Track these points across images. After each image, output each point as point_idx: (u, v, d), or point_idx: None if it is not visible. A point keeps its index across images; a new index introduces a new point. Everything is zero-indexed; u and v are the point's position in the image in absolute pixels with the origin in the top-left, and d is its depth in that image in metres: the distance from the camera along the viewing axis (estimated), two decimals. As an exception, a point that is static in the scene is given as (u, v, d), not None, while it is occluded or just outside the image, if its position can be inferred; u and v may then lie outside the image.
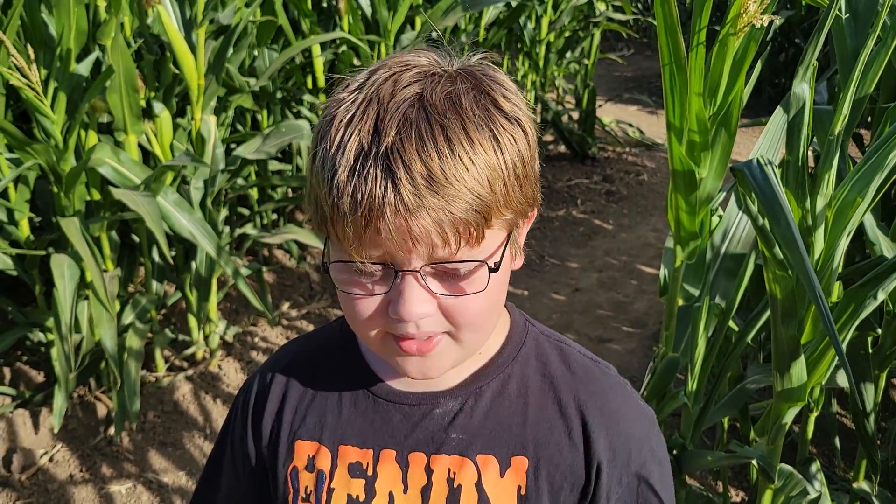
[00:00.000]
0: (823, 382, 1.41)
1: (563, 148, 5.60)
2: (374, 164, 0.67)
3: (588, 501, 0.82)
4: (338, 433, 0.84)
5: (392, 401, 0.84)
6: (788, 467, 1.51)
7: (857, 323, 1.35)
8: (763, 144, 1.50)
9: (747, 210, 1.24)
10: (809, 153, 1.46)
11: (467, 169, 0.67)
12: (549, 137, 5.56)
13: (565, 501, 0.82)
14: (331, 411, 0.86)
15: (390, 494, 0.82)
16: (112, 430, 2.68)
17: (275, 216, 3.84)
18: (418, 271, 0.70)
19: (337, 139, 0.69)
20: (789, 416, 1.42)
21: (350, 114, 0.70)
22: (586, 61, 5.42)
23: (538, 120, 5.00)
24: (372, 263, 0.70)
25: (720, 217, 1.77)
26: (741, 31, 1.29)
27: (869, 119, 2.49)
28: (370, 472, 0.83)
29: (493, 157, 0.69)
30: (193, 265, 2.88)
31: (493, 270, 0.73)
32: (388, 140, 0.67)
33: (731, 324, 1.72)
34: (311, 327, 3.39)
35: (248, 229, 3.41)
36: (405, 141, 0.67)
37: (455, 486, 0.81)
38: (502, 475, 0.81)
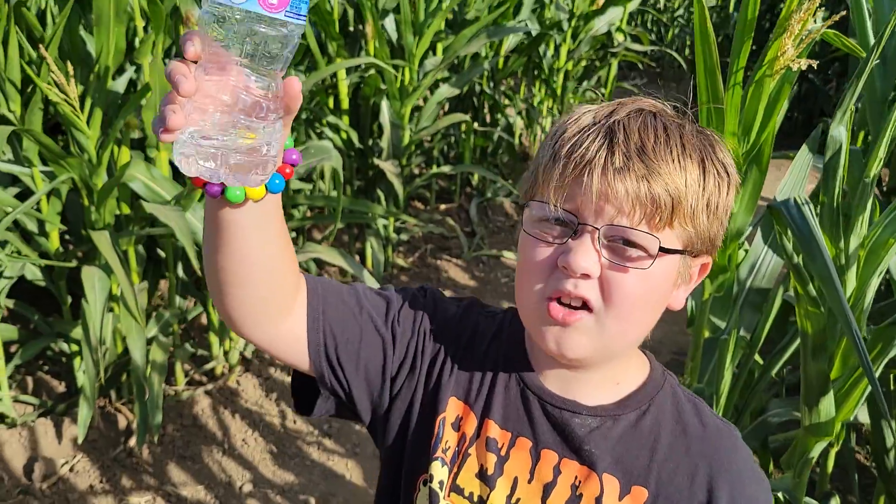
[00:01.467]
0: (851, 418, 1.43)
1: (577, 174, 5.65)
2: (598, 129, 0.80)
3: None
4: (487, 405, 0.90)
5: (539, 395, 0.89)
6: (813, 501, 1.53)
7: (885, 360, 1.38)
8: (789, 182, 1.54)
9: (782, 247, 1.28)
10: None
11: (674, 161, 0.78)
12: (564, 164, 5.61)
13: None
14: (487, 384, 0.91)
15: (515, 479, 0.87)
16: (133, 442, 2.70)
17: (294, 234, 3.89)
18: (598, 230, 0.78)
19: (574, 116, 0.84)
20: (816, 451, 1.45)
21: (591, 108, 0.84)
22: (603, 90, 5.48)
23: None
24: (562, 209, 0.79)
25: (746, 251, 1.80)
26: (777, 73, 1.33)
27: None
28: (503, 453, 0.88)
29: (697, 172, 0.80)
30: (217, 281, 2.92)
31: (664, 250, 0.79)
32: (618, 116, 0.81)
33: (757, 357, 1.75)
34: (328, 346, 3.42)
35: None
36: (631, 120, 0.80)
37: (577, 493, 0.85)
38: (620, 499, 0.85)
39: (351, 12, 3.71)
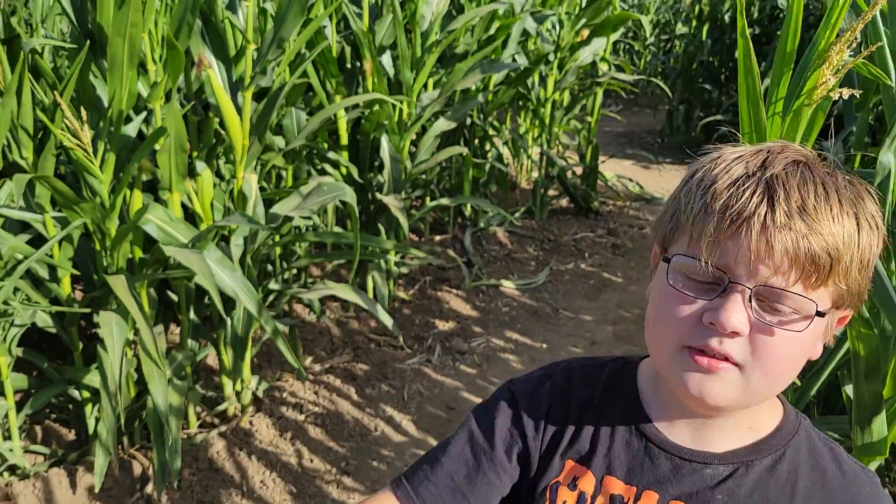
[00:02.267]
0: (903, 436, 1.47)
1: (565, 202, 5.72)
2: (756, 183, 0.77)
3: None
4: (606, 463, 0.89)
5: (664, 449, 0.88)
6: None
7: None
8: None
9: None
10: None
11: (833, 219, 0.76)
12: (553, 192, 5.68)
13: None
14: (603, 441, 0.90)
15: None
16: (150, 488, 2.65)
17: (294, 271, 3.87)
18: (751, 289, 0.76)
19: (723, 164, 0.80)
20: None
21: (739, 155, 0.81)
22: (588, 118, 5.58)
23: (544, 175, 5.06)
24: (713, 267, 0.77)
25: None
26: (815, 102, 1.38)
27: None
28: None
29: (853, 228, 0.78)
30: (230, 322, 2.90)
31: (819, 314, 0.78)
32: (775, 170, 0.78)
33: (795, 380, 1.78)
34: (337, 382, 3.40)
35: (272, 285, 3.44)
36: (790, 175, 0.78)
37: None
38: None
39: (348, 50, 3.75)
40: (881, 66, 1.65)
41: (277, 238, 3.25)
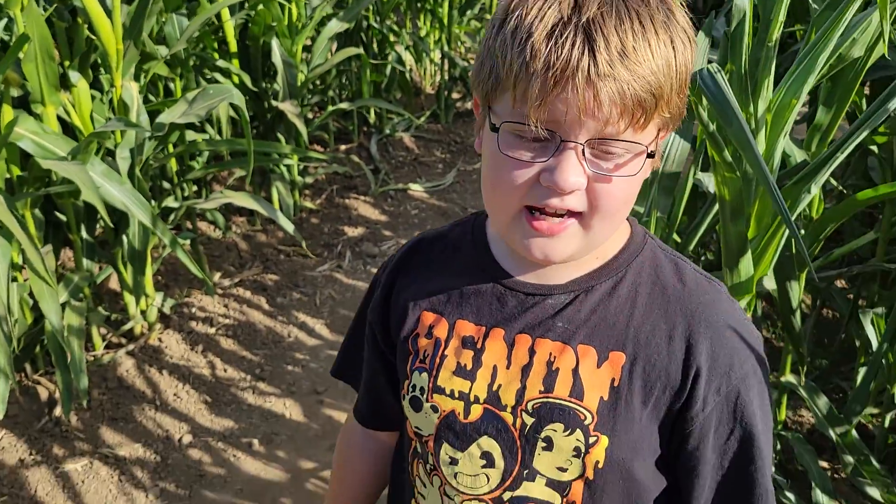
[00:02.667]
0: (768, 273, 1.56)
1: (470, 104, 5.69)
2: (573, 32, 0.73)
3: (682, 404, 0.85)
4: (458, 309, 0.93)
5: (510, 287, 0.91)
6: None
7: (793, 218, 1.50)
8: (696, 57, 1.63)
9: (698, 115, 1.36)
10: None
11: (653, 55, 0.75)
12: (457, 94, 5.64)
13: (657, 400, 0.86)
14: (454, 289, 0.94)
15: (494, 367, 0.89)
16: (58, 411, 2.61)
17: (195, 187, 3.77)
18: (583, 144, 0.76)
19: (535, 10, 0.75)
20: (739, 308, 1.57)
21: None
22: (487, 16, 5.51)
23: (446, 78, 4.99)
24: (542, 130, 0.75)
25: (656, 139, 1.90)
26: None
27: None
28: (479, 346, 0.90)
29: (670, 55, 0.77)
30: (125, 239, 2.82)
31: (650, 155, 0.79)
32: (590, 13, 0.73)
33: (675, 237, 1.86)
34: (247, 294, 3.38)
35: (171, 202, 3.35)
36: (605, 16, 0.74)
37: (553, 368, 0.87)
38: (599, 366, 0.86)
39: (228, -51, 3.56)
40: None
41: (171, 149, 3.14)
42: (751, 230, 1.47)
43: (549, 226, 0.80)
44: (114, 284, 3.27)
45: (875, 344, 2.20)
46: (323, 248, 3.79)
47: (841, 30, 1.33)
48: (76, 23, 2.65)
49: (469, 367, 0.90)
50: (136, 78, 2.94)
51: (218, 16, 3.48)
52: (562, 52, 0.72)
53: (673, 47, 0.77)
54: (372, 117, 5.03)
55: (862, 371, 2.29)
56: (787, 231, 1.47)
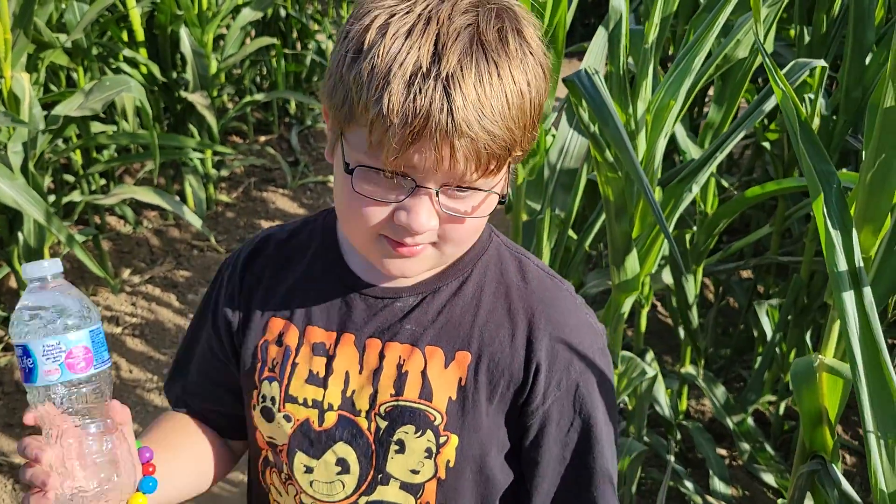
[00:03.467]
0: (653, 271, 1.58)
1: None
2: (433, 85, 0.70)
3: (524, 399, 0.87)
4: (307, 315, 0.90)
5: (359, 291, 0.90)
6: (629, 353, 1.69)
7: (676, 217, 1.52)
8: (587, 62, 1.63)
9: (579, 117, 1.36)
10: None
11: (510, 109, 0.74)
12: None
13: (502, 396, 0.87)
14: (303, 294, 0.91)
15: (346, 374, 0.88)
16: (-52, 419, 2.49)
17: (103, 181, 3.64)
18: (437, 190, 0.76)
19: (393, 49, 0.71)
20: (626, 306, 1.59)
21: (407, 26, 0.72)
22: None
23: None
24: (397, 174, 0.75)
25: (554, 136, 1.91)
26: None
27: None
28: (331, 352, 0.89)
29: (527, 101, 0.75)
30: (21, 236, 2.70)
31: (501, 202, 0.81)
32: (450, 67, 0.71)
33: (571, 233, 1.87)
34: (157, 292, 3.28)
35: (76, 196, 3.22)
36: (465, 70, 0.71)
37: (403, 371, 0.87)
38: (446, 367, 0.87)
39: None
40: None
41: (73, 142, 3.02)
42: (635, 229, 1.49)
43: (408, 249, 0.80)
44: (13, 283, 3.14)
45: (769, 334, 2.28)
46: (238, 243, 3.71)
47: (716, 31, 1.35)
48: (-39, 10, 2.51)
49: (321, 374, 0.89)
50: (33, 68, 2.81)
51: (123, 3, 3.36)
52: (420, 107, 0.71)
53: (530, 90, 0.76)
54: (293, 108, 4.94)
55: (758, 361, 2.36)
56: (675, 233, 1.49)
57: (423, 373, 0.87)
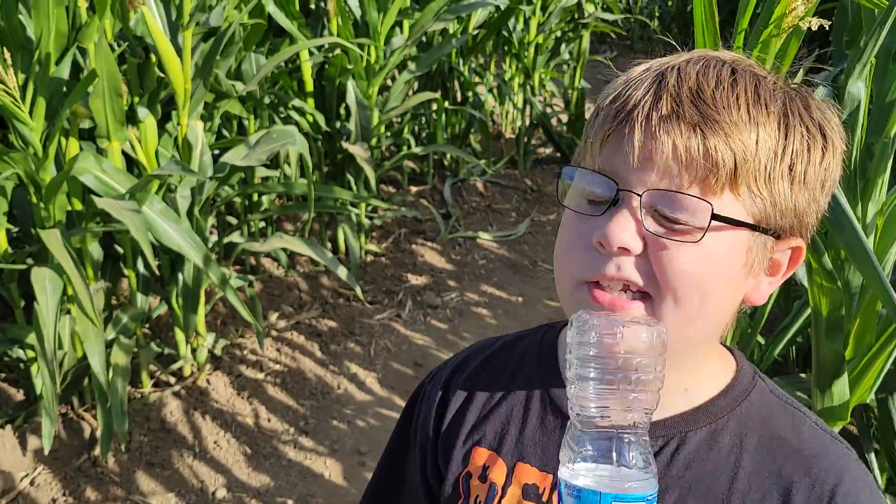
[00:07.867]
0: (868, 400, 1.33)
1: (550, 151, 5.53)
2: (650, 77, 0.66)
3: None
4: (518, 449, 0.77)
5: None
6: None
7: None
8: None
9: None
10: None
11: (740, 109, 0.62)
12: (538, 141, 5.50)
13: None
14: (515, 423, 0.78)
15: None
16: (97, 451, 2.55)
17: (262, 224, 3.73)
18: (639, 195, 0.64)
19: (629, 70, 0.70)
20: (830, 436, 1.34)
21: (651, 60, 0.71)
22: (575, 63, 5.36)
23: (526, 123, 4.86)
24: (600, 174, 0.66)
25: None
26: (783, 32, 1.21)
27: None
28: (545, 499, 0.74)
29: (774, 127, 0.64)
30: (181, 276, 2.76)
31: (719, 218, 0.64)
32: (676, 62, 0.67)
33: (759, 338, 1.64)
34: (301, 339, 3.29)
35: (236, 237, 3.30)
36: (691, 64, 0.66)
37: None
38: None
39: (312, -11, 3.54)
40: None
41: (235, 189, 3.09)
42: (849, 350, 1.26)
43: (612, 298, 0.66)
44: (170, 319, 3.23)
45: None
46: (384, 295, 3.68)
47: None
48: (148, 59, 2.63)
49: None
50: (208, 116, 2.91)
51: (297, 55, 3.45)
52: (630, 92, 0.66)
53: (785, 124, 0.65)
54: (448, 160, 4.93)
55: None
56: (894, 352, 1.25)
57: None
